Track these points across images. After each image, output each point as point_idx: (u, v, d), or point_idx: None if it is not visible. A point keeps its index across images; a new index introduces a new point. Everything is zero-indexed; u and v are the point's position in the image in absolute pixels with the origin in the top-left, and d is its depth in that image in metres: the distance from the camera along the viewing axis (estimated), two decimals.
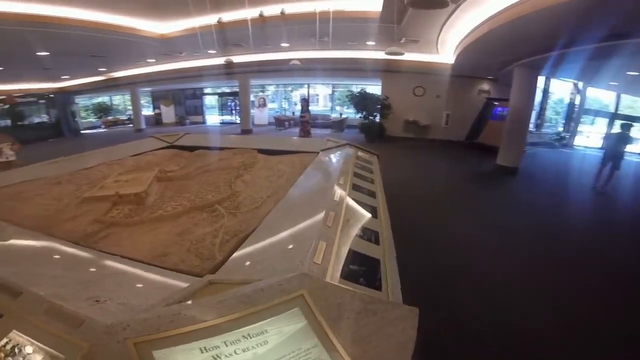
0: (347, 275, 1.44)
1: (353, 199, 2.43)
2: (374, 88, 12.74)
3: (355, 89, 14.79)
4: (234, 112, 15.53)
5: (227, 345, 0.88)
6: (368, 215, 2.23)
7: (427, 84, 11.07)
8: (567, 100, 12.14)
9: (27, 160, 4.13)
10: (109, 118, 16.90)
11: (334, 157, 4.13)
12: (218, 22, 4.78)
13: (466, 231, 4.08)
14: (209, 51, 7.01)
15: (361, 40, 6.79)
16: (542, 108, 12.10)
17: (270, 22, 4.74)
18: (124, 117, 17.29)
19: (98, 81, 12.90)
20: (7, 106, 12.66)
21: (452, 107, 11.08)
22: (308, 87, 16.65)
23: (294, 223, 2.00)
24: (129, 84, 13.58)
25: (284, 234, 1.87)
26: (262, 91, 18.60)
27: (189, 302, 1.14)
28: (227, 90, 15.20)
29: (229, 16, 4.80)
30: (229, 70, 10.10)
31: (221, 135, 6.36)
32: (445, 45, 7.02)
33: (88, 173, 4.08)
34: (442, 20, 4.86)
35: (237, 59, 8.53)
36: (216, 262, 1.76)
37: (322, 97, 20.81)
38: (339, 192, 2.43)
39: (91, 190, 3.11)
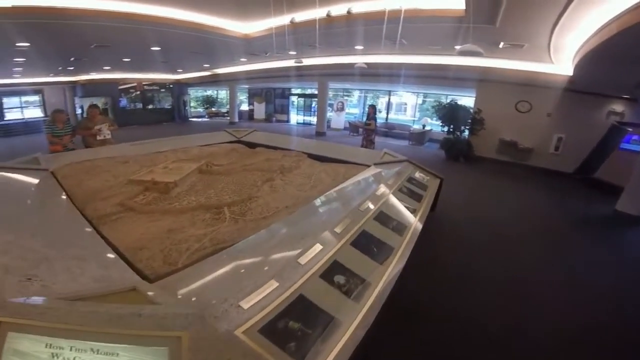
0: (275, 332, 1.10)
1: (367, 233, 1.98)
2: (468, 100, 11.30)
3: (446, 100, 13.50)
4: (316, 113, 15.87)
5: (71, 350, 0.91)
6: (374, 260, 1.75)
7: (535, 98, 9.19)
8: None
9: (141, 137, 4.79)
10: (213, 110, 19.57)
11: (382, 174, 3.61)
12: (291, 22, 4.79)
13: (548, 301, 2.87)
14: (290, 52, 7.22)
15: (447, 44, 5.94)
16: None
17: (338, 22, 4.51)
18: (224, 110, 19.66)
19: (204, 76, 14.99)
20: (137, 92, 15.88)
21: (568, 129, 8.93)
22: (389, 95, 15.86)
23: (272, 248, 1.70)
24: (229, 81, 15.37)
25: (249, 259, 1.59)
26: (347, 96, 18.60)
27: (73, 301, 1.09)
28: (317, 92, 15.56)
29: (302, 16, 4.77)
30: (307, 72, 10.34)
31: (286, 136, 6.38)
32: (561, 53, 5.61)
33: (156, 157, 4.56)
34: (551, 19, 3.80)
35: (313, 60, 8.63)
36: (173, 268, 1.63)
37: (410, 106, 19.72)
38: (350, 220, 2.01)
39: (138, 174, 3.40)
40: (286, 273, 1.38)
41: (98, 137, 5.11)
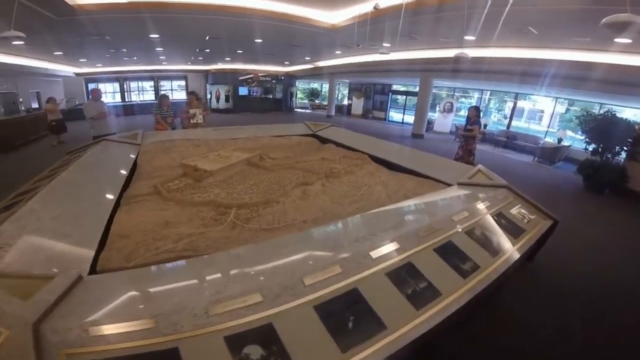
0: None
1: (357, 294, 1.38)
2: (634, 112, 8.28)
3: (599, 109, 10.42)
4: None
5: None
6: (337, 345, 1.15)
7: None
8: None
9: (244, 122, 5.18)
10: (316, 102, 20.40)
11: (459, 201, 2.72)
12: (374, 8, 4.18)
13: None
14: (384, 44, 6.54)
15: (601, 36, 4.19)
16: None
17: (429, 5, 3.63)
18: (325, 103, 20.23)
19: (307, 69, 15.60)
20: (254, 83, 17.74)
21: None
22: (516, 97, 12.98)
23: (213, 278, 1.34)
24: (329, 74, 15.53)
25: (169, 284, 1.30)
26: (465, 96, 16.40)
27: None
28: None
29: (388, 1, 4.10)
30: (407, 67, 9.27)
31: (362, 135, 5.80)
32: None
33: (227, 143, 4.77)
34: None
35: (414, 54, 7.62)
36: (123, 265, 1.57)
37: (548, 114, 16.15)
38: (338, 271, 1.44)
39: (189, 158, 3.53)
40: (177, 318, 1.06)
41: (192, 121, 5.72)
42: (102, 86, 17.70)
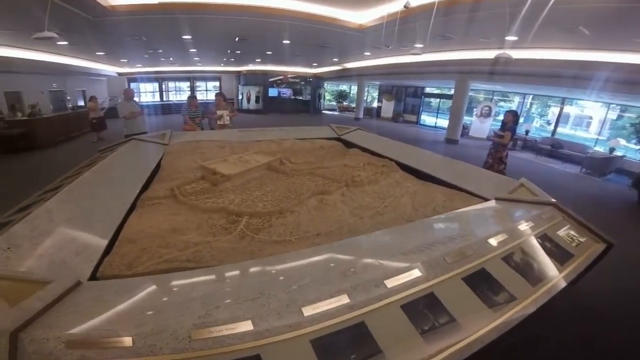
0: None
1: (364, 327, 1.23)
2: None
3: None
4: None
5: None
6: None
7: None
8: None
9: (276, 124, 5.18)
10: (344, 104, 20.22)
11: (497, 219, 2.39)
12: (405, 7, 3.93)
13: None
14: (417, 45, 6.21)
15: None
16: None
17: (463, 3, 3.31)
18: (353, 105, 19.97)
19: (335, 70, 15.44)
20: (283, 84, 17.90)
21: None
22: (563, 102, 11.92)
23: (193, 300, 1.24)
24: (358, 76, 15.23)
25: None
26: (504, 100, 15.45)
27: None
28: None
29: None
30: (441, 68, 8.77)
31: (391, 140, 5.52)
32: None
33: (251, 145, 4.73)
34: None
35: (448, 55, 7.17)
36: (124, 273, 1.51)
37: (597, 121, 14.87)
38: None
39: (210, 161, 3.49)
40: (157, 339, 0.98)
41: (218, 122, 5.79)
42: (142, 86, 18.74)
